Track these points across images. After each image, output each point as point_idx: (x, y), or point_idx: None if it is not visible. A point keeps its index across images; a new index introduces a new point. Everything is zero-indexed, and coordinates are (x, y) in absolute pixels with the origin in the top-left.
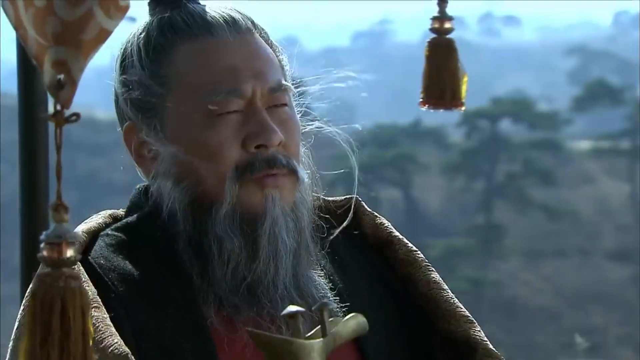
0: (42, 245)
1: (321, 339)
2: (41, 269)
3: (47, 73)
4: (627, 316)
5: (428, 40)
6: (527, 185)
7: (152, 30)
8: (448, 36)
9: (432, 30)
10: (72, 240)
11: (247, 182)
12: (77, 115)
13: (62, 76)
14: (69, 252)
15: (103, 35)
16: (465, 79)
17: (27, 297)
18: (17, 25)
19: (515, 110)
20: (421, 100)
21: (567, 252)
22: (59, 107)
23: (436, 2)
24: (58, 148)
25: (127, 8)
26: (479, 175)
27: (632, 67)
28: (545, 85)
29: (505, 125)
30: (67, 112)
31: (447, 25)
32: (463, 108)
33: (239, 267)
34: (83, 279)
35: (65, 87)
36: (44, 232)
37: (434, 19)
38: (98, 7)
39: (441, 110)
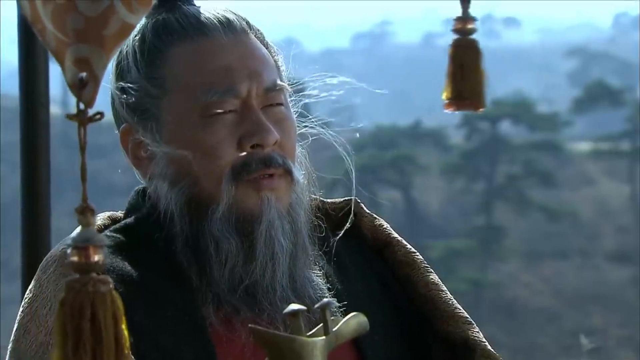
0: (69, 250)
1: (323, 337)
2: (62, 270)
3: (69, 71)
4: (627, 317)
5: (452, 41)
6: (527, 187)
7: (147, 33)
8: (471, 37)
9: (455, 31)
10: (99, 244)
11: (243, 183)
12: (101, 114)
13: (84, 74)
14: (97, 256)
15: (126, 30)
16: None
17: (56, 305)
18: (35, 20)
19: (515, 112)
20: (446, 102)
21: (567, 253)
22: (82, 107)
23: (459, 2)
24: (82, 149)
25: (150, 1)
26: (479, 176)
27: (632, 68)
28: (545, 86)
29: (506, 127)
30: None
31: (470, 25)
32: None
33: (236, 268)
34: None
35: (87, 85)
36: (71, 237)
37: (457, 19)
38: (120, 1)
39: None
